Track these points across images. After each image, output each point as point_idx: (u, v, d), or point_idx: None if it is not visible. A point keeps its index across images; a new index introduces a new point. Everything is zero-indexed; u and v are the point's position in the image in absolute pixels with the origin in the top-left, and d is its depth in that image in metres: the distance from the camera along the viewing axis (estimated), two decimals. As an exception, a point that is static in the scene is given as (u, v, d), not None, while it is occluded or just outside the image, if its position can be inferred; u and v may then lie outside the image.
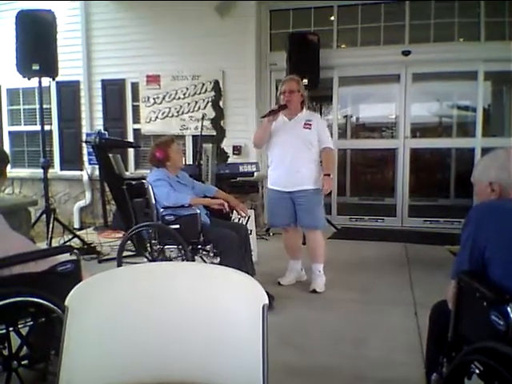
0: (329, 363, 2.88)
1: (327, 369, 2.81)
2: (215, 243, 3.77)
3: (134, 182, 4.16)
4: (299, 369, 2.81)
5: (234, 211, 4.18)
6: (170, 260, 3.86)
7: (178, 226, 3.71)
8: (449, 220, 6.50)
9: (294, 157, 4.05)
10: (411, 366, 2.73)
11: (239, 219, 4.52)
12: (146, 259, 3.96)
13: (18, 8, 5.59)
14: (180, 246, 3.71)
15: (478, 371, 1.67)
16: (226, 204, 3.95)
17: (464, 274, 1.80)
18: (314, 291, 4.09)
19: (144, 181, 3.94)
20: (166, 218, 3.77)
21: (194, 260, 3.82)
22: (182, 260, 3.67)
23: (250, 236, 4.70)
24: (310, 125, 4.07)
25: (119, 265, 3.88)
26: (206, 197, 4.09)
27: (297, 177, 4.06)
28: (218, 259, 3.83)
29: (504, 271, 1.69)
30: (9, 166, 2.57)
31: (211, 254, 3.85)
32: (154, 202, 3.81)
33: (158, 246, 3.85)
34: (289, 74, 6.28)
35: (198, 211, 3.70)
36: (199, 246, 3.86)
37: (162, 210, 3.78)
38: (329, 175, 4.06)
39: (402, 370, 2.76)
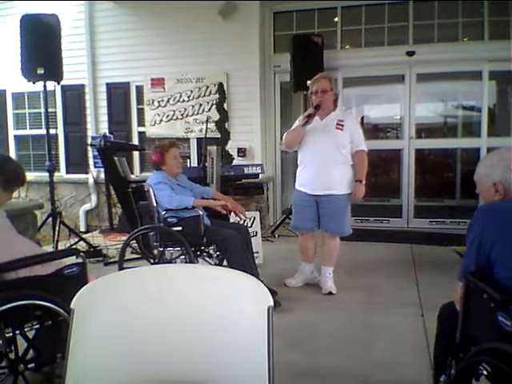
0: (335, 365, 2.87)
1: (333, 370, 2.80)
2: (219, 244, 3.74)
3: (134, 185, 4.15)
4: (305, 370, 2.80)
5: (232, 213, 4.16)
6: (173, 262, 3.85)
7: (180, 228, 3.70)
8: (455, 220, 6.48)
9: (323, 159, 3.90)
10: (419, 368, 2.73)
11: (244, 221, 4.51)
12: (148, 262, 3.96)
13: (22, 12, 5.62)
14: (183, 248, 3.70)
15: (485, 372, 1.66)
16: (229, 205, 3.94)
17: (471, 274, 1.79)
18: (330, 293, 4.02)
19: (144, 183, 3.92)
20: (169, 220, 3.74)
21: (197, 262, 3.82)
22: (185, 262, 3.66)
23: (256, 238, 4.71)
24: (343, 125, 3.88)
25: (120, 268, 3.84)
26: (204, 198, 4.05)
27: (325, 180, 3.91)
28: (222, 260, 3.83)
29: (510, 273, 1.69)
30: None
31: (214, 255, 3.84)
32: (154, 204, 3.78)
33: (160, 249, 3.84)
34: (293, 76, 6.30)
35: (201, 213, 3.69)
36: (202, 248, 3.85)
37: (163, 212, 3.76)
38: (361, 181, 3.91)
39: (410, 371, 2.75)
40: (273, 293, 3.65)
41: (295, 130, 4.04)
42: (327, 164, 3.90)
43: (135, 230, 3.87)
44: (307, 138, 4.00)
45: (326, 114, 3.97)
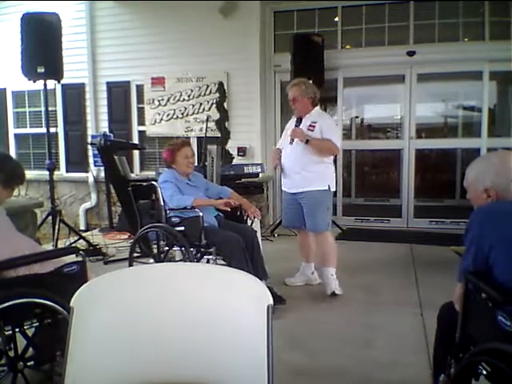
0: (335, 364, 2.87)
1: (333, 370, 2.80)
2: (218, 246, 3.70)
3: (144, 184, 4.16)
4: (305, 370, 2.80)
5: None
6: (176, 261, 3.85)
7: (182, 228, 3.71)
8: (454, 220, 6.46)
9: (295, 159, 4.05)
10: (418, 367, 2.73)
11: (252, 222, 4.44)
12: (152, 260, 3.97)
13: (23, 10, 5.62)
14: (183, 248, 3.69)
15: (485, 372, 1.66)
16: (232, 202, 3.88)
17: (471, 274, 1.79)
18: (334, 294, 3.97)
19: (154, 182, 3.94)
20: (172, 219, 3.77)
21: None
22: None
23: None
24: (314, 126, 4.03)
25: (131, 265, 3.92)
26: (221, 199, 4.01)
27: (297, 179, 4.06)
28: (224, 262, 3.80)
29: (508, 275, 1.69)
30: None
31: (213, 257, 3.81)
32: (162, 203, 3.80)
33: (166, 248, 3.84)
34: (293, 76, 6.28)
35: (201, 214, 3.64)
36: (202, 249, 3.83)
37: (168, 211, 3.78)
38: (308, 141, 3.94)
39: (409, 371, 2.75)
40: (279, 299, 3.61)
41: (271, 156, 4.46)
42: (299, 163, 4.04)
43: (143, 229, 3.88)
44: (285, 140, 4.20)
45: (302, 117, 4.14)
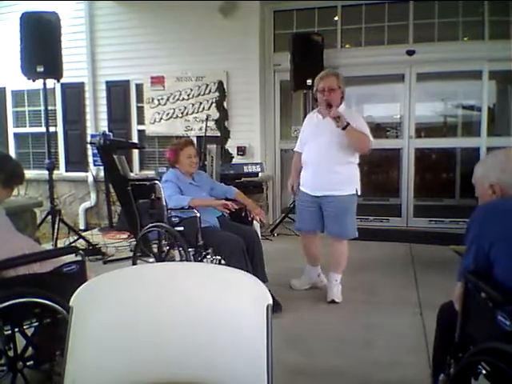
0: (334, 364, 2.87)
1: (332, 370, 2.80)
2: (216, 247, 3.66)
3: (148, 183, 4.14)
4: (305, 370, 2.80)
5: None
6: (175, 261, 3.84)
7: (182, 228, 3.69)
8: (454, 220, 6.46)
9: (322, 159, 3.76)
10: (417, 367, 2.73)
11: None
12: (152, 259, 3.96)
13: (22, 10, 5.61)
14: (181, 249, 3.67)
15: (484, 372, 1.66)
16: (230, 204, 3.81)
17: (471, 274, 1.79)
18: (333, 301, 3.82)
19: (157, 181, 3.93)
20: (172, 219, 3.75)
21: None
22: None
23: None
24: None
25: (134, 263, 3.91)
26: (226, 199, 3.94)
27: (324, 181, 3.77)
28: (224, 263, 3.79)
29: (509, 274, 1.69)
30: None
31: (215, 258, 3.79)
32: (164, 203, 3.78)
33: (167, 248, 3.83)
34: (293, 75, 6.29)
35: (198, 214, 3.59)
36: (201, 250, 3.80)
37: (169, 211, 3.77)
38: (347, 126, 3.56)
39: (408, 370, 2.74)
40: (277, 305, 3.58)
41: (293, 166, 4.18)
42: (327, 163, 3.74)
43: (145, 228, 3.87)
44: (309, 138, 3.93)
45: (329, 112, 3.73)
